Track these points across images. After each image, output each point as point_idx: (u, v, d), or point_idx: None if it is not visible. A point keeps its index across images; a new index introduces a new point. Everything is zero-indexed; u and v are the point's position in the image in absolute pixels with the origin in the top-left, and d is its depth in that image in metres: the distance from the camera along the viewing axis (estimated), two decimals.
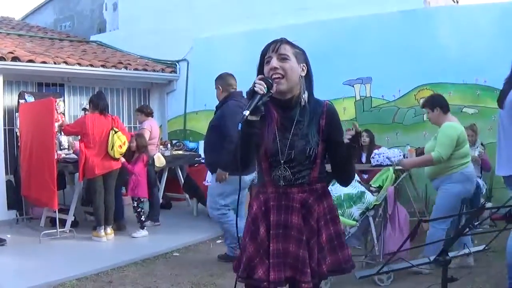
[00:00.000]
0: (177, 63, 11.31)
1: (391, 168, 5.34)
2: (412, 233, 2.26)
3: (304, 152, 2.46)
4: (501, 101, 4.09)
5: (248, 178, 5.64)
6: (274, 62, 2.44)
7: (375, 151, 7.20)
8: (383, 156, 6.99)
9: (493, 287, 4.74)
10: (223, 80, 5.84)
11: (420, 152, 7.20)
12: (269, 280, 2.43)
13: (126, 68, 10.27)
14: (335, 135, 2.53)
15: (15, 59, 8.24)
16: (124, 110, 10.76)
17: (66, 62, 9.10)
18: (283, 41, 2.51)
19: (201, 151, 9.62)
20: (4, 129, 8.44)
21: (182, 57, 11.19)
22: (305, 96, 2.51)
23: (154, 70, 10.88)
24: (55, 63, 8.85)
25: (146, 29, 11.49)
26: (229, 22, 10.26)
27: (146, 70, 10.68)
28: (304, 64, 2.53)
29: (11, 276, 5.37)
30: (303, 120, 2.50)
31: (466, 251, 2.66)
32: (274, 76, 2.42)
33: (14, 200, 8.15)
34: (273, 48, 2.48)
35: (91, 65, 9.56)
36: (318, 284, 2.53)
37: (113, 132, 7.00)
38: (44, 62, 8.64)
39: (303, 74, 2.52)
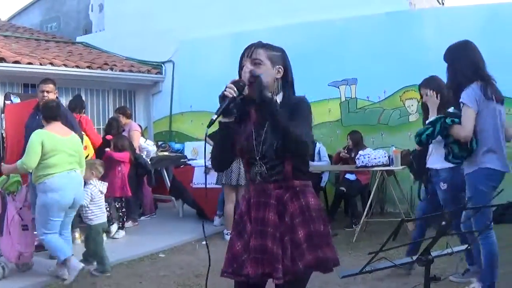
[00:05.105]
0: (162, 65, 11.31)
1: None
2: (394, 233, 2.29)
3: (272, 146, 2.50)
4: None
5: None
6: (248, 68, 2.54)
7: (360, 152, 7.22)
8: (368, 157, 7.02)
9: None
10: None
11: (405, 153, 7.24)
12: (248, 275, 2.48)
13: (111, 69, 10.26)
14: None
15: (1, 60, 8.22)
16: (110, 111, 10.68)
17: (52, 63, 9.08)
18: (258, 45, 2.61)
19: (187, 153, 9.63)
20: None
21: (167, 58, 11.20)
22: (279, 97, 2.59)
23: (139, 72, 10.89)
24: (41, 64, 8.83)
25: (132, 30, 11.44)
26: (214, 24, 10.28)
27: (131, 71, 10.68)
28: (280, 66, 2.60)
29: None
30: None
31: (449, 250, 2.68)
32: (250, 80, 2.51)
33: None
34: (247, 53, 2.58)
35: (77, 66, 9.55)
36: (294, 281, 2.49)
37: None
38: (30, 63, 8.61)
39: (279, 76, 2.60)
